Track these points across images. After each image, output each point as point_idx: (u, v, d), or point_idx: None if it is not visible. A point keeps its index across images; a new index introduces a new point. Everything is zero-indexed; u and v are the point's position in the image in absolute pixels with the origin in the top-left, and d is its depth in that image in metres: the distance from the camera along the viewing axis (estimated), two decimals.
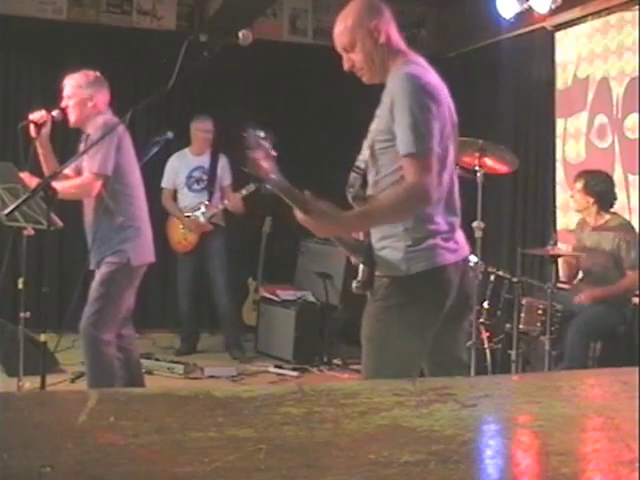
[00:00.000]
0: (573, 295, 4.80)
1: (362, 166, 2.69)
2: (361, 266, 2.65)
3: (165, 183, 6.29)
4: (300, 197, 2.59)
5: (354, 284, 2.67)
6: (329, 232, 2.67)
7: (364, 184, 2.68)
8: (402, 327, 2.57)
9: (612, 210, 4.87)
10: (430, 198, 2.46)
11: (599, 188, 4.80)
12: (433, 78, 2.58)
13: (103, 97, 4.06)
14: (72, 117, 4.03)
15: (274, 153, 2.55)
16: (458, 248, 2.62)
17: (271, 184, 2.54)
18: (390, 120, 2.52)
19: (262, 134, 2.55)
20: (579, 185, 4.84)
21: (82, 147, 3.97)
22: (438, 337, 2.61)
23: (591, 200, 4.80)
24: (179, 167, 6.25)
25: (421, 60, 2.66)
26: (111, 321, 3.97)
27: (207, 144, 6.25)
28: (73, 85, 4.04)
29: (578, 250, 4.92)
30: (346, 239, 2.71)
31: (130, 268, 3.95)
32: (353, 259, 2.74)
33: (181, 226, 6.18)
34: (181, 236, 6.19)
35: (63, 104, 4.04)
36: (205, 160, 6.23)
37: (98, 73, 4.10)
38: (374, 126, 2.66)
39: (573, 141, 6.09)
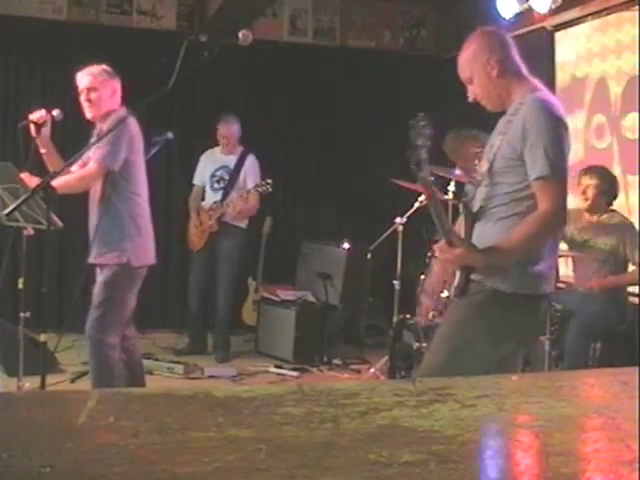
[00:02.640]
0: (575, 289, 4.80)
1: (478, 178, 2.76)
2: (457, 272, 2.69)
3: (195, 180, 6.35)
4: (447, 224, 2.64)
5: (450, 289, 2.70)
6: (465, 263, 2.67)
7: (474, 197, 2.76)
8: (484, 338, 2.63)
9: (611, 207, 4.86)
10: (564, 223, 2.60)
11: (611, 184, 4.80)
12: (560, 106, 2.67)
13: (120, 88, 4.06)
14: (93, 110, 3.99)
15: (429, 144, 2.53)
16: (553, 281, 2.72)
17: (423, 174, 2.55)
18: (520, 143, 2.58)
19: (428, 124, 2.55)
20: (593, 181, 4.76)
21: (93, 140, 3.94)
22: (503, 355, 2.69)
23: (604, 198, 4.78)
24: (206, 165, 6.28)
25: (543, 87, 2.74)
26: (116, 324, 3.97)
27: (233, 144, 6.21)
28: (95, 78, 3.99)
29: (571, 246, 4.89)
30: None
31: (131, 270, 3.95)
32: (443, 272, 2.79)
33: (194, 224, 6.20)
34: (193, 234, 6.21)
35: (84, 97, 4.00)
36: (232, 160, 6.20)
37: (109, 67, 4.09)
38: (498, 143, 2.69)
39: (571, 141, 6.09)
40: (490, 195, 2.68)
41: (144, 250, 4.03)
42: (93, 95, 3.98)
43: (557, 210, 2.53)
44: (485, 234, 2.67)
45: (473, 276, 2.66)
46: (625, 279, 4.76)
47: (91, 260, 4.04)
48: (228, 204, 6.02)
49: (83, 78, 4.03)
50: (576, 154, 6.02)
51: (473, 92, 2.77)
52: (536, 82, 2.74)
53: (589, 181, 4.78)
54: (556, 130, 2.56)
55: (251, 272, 6.77)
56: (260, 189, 5.95)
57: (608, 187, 4.78)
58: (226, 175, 6.17)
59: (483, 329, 2.64)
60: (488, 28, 2.86)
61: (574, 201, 4.98)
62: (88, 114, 4.02)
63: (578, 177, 4.83)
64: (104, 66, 4.07)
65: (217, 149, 6.29)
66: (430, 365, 2.76)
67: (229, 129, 6.19)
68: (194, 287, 6.29)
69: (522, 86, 2.70)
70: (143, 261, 4.02)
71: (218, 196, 6.14)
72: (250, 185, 6.07)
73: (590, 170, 4.85)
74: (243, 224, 6.19)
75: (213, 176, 6.21)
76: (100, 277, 4.00)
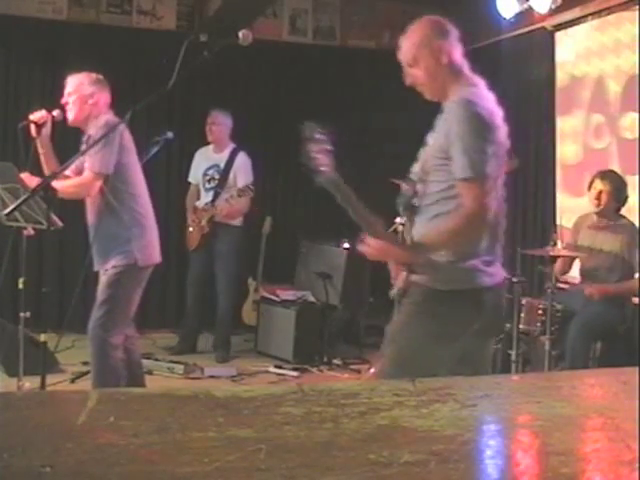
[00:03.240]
0: (580, 291, 4.80)
1: (414, 178, 2.78)
2: (403, 274, 2.75)
3: (190, 177, 6.37)
4: (352, 197, 2.67)
5: (393, 291, 2.79)
6: (388, 256, 2.77)
7: (414, 194, 2.77)
8: (428, 335, 2.67)
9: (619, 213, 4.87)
10: (487, 221, 2.59)
11: (622, 190, 4.80)
12: (490, 103, 2.67)
13: (104, 98, 4.06)
14: (71, 115, 4.02)
15: (330, 148, 2.61)
16: (496, 273, 2.72)
17: (323, 178, 2.62)
18: (446, 142, 2.61)
19: (320, 129, 2.62)
20: (608, 187, 4.75)
21: (83, 148, 3.96)
22: (465, 353, 2.71)
23: (615, 205, 4.78)
24: (199, 163, 6.29)
25: (481, 83, 2.74)
26: (120, 324, 3.96)
27: (221, 139, 6.18)
28: (75, 83, 4.04)
29: (574, 249, 4.90)
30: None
31: (137, 269, 3.94)
32: (393, 266, 2.83)
33: (189, 223, 6.22)
34: (188, 233, 6.23)
35: (64, 100, 4.04)
36: (223, 159, 6.17)
37: (100, 76, 4.10)
38: (431, 142, 2.73)
39: (570, 141, 6.10)
40: (423, 193, 2.73)
41: (150, 249, 4.03)
42: (71, 99, 4.01)
43: (478, 211, 2.55)
44: (420, 232, 2.72)
45: (413, 277, 2.71)
46: (625, 288, 4.75)
47: (97, 268, 4.04)
48: (217, 206, 6.01)
49: (68, 83, 4.07)
50: (576, 155, 6.03)
51: (413, 76, 2.77)
52: (475, 79, 2.75)
53: (604, 187, 4.76)
54: (477, 131, 2.56)
55: (251, 272, 6.77)
56: (242, 194, 5.86)
57: (620, 193, 4.79)
58: (216, 175, 6.15)
59: (425, 328, 2.68)
60: (436, 17, 2.88)
61: (583, 204, 5.00)
62: (69, 118, 4.05)
63: (592, 180, 4.83)
64: (93, 74, 4.08)
65: (210, 147, 6.29)
66: (382, 369, 2.81)
67: (216, 118, 6.17)
68: (191, 284, 6.31)
69: (461, 80, 2.71)
70: (149, 260, 4.02)
71: (209, 196, 6.15)
72: (241, 184, 6.02)
73: (606, 175, 4.83)
74: (238, 222, 6.18)
75: (205, 175, 6.22)
76: (104, 276, 3.99)
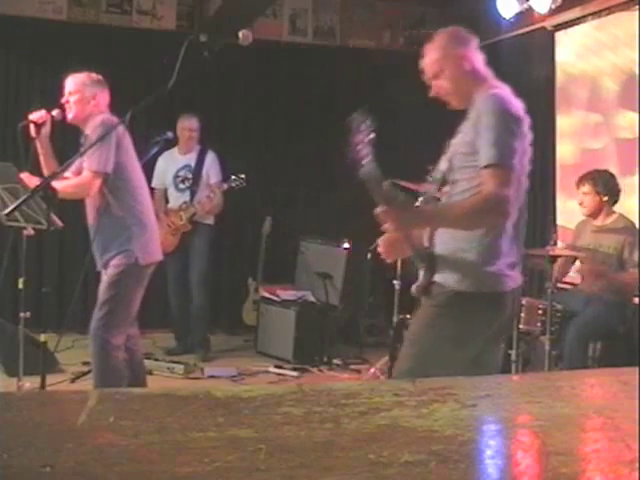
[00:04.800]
0: (579, 291, 4.81)
1: (438, 177, 2.78)
2: (421, 271, 2.76)
3: (154, 183, 6.25)
4: (384, 189, 2.67)
5: (413, 288, 2.80)
6: (407, 223, 2.74)
7: (438, 194, 2.79)
8: (450, 339, 2.67)
9: (616, 210, 4.87)
10: (507, 211, 2.56)
11: (609, 185, 4.80)
12: (518, 105, 2.69)
13: (104, 97, 4.06)
14: (71, 114, 4.02)
15: (372, 140, 2.61)
16: (517, 276, 2.73)
17: (362, 170, 2.62)
18: (473, 136, 2.61)
19: (366, 120, 2.61)
20: (586, 188, 4.79)
21: (82, 148, 3.96)
22: (478, 354, 2.72)
23: (604, 198, 4.79)
24: (166, 167, 6.26)
25: (507, 88, 2.77)
26: (121, 324, 3.95)
27: (193, 143, 6.25)
28: (77, 82, 4.03)
29: (576, 250, 4.91)
30: (415, 243, 2.80)
31: (138, 268, 3.94)
32: (415, 263, 2.83)
33: (164, 226, 6.20)
34: (163, 236, 6.19)
35: (64, 99, 4.03)
36: (192, 158, 6.23)
37: (100, 76, 4.10)
38: (455, 141, 2.74)
39: (567, 141, 6.10)
40: (451, 194, 2.72)
41: (151, 248, 4.02)
42: (72, 98, 4.00)
43: (499, 195, 2.53)
44: (447, 231, 2.71)
45: (436, 277, 2.70)
46: (623, 278, 4.74)
47: (99, 268, 4.04)
48: (199, 202, 6.05)
49: (68, 82, 4.06)
50: (573, 155, 6.03)
51: (439, 87, 2.81)
52: (497, 82, 2.79)
53: (582, 189, 4.84)
54: (507, 124, 2.58)
55: (251, 272, 6.77)
56: (234, 184, 6.01)
57: (603, 188, 4.79)
58: (189, 174, 6.19)
59: (448, 331, 2.67)
60: (454, 27, 2.89)
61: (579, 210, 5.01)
62: (68, 116, 4.04)
63: (576, 185, 4.87)
64: (92, 74, 4.08)
65: (174, 150, 6.26)
66: (400, 369, 2.81)
67: (193, 123, 6.20)
68: (172, 288, 6.30)
69: (484, 85, 2.74)
70: (150, 259, 4.01)
71: (185, 196, 6.16)
72: (213, 181, 6.16)
73: (582, 179, 4.87)
74: (210, 221, 6.25)
75: (176, 177, 6.22)
76: (106, 275, 3.98)
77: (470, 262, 2.65)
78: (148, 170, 4.27)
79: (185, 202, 6.12)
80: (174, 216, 6.12)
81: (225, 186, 6.05)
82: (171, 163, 6.26)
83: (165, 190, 6.29)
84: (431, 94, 2.83)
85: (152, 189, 6.20)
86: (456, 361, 2.68)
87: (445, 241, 2.71)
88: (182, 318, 6.32)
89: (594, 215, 4.85)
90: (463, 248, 2.66)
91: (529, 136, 2.71)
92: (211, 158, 6.23)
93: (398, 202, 2.63)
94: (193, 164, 6.20)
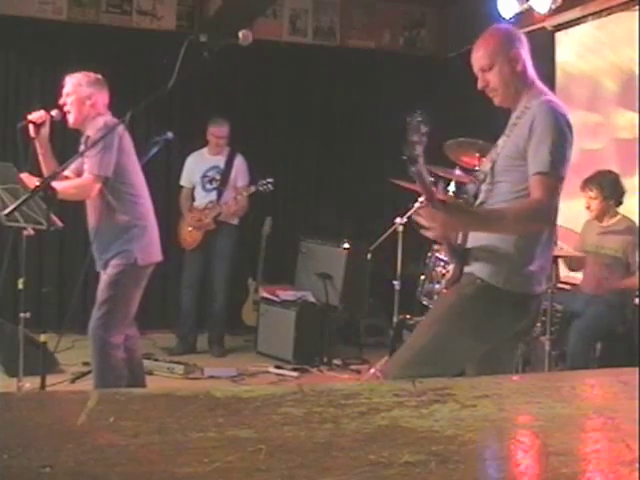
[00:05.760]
0: (582, 293, 4.81)
1: (481, 177, 2.80)
2: (452, 265, 2.77)
3: (183, 181, 6.46)
4: (431, 188, 2.66)
5: (441, 285, 2.88)
6: (453, 227, 2.74)
7: (477, 191, 2.81)
8: (469, 330, 2.67)
9: (619, 211, 4.87)
10: (551, 221, 2.61)
11: (616, 188, 4.80)
12: (569, 114, 2.70)
13: (102, 98, 4.05)
14: (70, 117, 4.02)
15: (426, 140, 2.60)
16: (544, 281, 2.75)
17: (416, 168, 2.59)
18: (524, 142, 2.62)
19: (423, 119, 2.60)
20: (593, 193, 4.79)
21: (82, 149, 3.96)
22: (495, 352, 2.73)
23: (611, 202, 4.79)
24: (195, 166, 6.38)
25: (554, 96, 2.80)
26: (120, 323, 3.95)
27: (223, 147, 6.35)
28: (73, 83, 4.03)
29: (581, 251, 4.91)
30: (449, 240, 2.80)
31: (137, 268, 3.94)
32: (449, 258, 2.84)
33: (187, 224, 6.26)
34: (186, 233, 6.28)
35: (62, 101, 4.03)
36: (221, 160, 6.35)
37: (99, 75, 4.10)
38: (501, 142, 2.75)
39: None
40: (491, 193, 2.73)
41: (150, 249, 4.03)
42: (69, 100, 4.00)
43: (548, 203, 2.56)
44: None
45: (467, 268, 2.71)
46: (625, 284, 4.75)
47: (98, 268, 4.04)
48: (226, 203, 6.16)
49: (66, 83, 4.06)
50: (573, 155, 6.03)
51: (486, 80, 2.80)
52: (546, 89, 2.81)
53: (589, 194, 4.82)
54: (562, 133, 2.61)
55: (251, 272, 6.77)
56: (262, 188, 6.12)
57: (610, 192, 4.80)
58: (217, 175, 6.31)
59: (469, 321, 2.67)
60: (510, 26, 2.93)
61: (577, 206, 5.00)
62: (69, 120, 4.04)
63: (581, 187, 4.85)
64: (90, 74, 4.08)
65: (204, 150, 6.41)
66: (411, 345, 2.79)
67: (223, 130, 6.30)
68: (188, 285, 6.35)
69: (532, 89, 2.76)
70: (149, 259, 4.01)
71: (212, 196, 6.27)
72: (240, 184, 6.30)
73: (588, 183, 4.85)
74: (235, 222, 6.35)
75: (204, 177, 6.33)
76: (105, 275, 3.98)
77: (504, 259, 2.65)
78: (148, 171, 4.26)
79: (211, 201, 6.21)
80: (199, 214, 6.22)
81: (253, 189, 6.15)
82: (200, 163, 6.37)
83: (192, 189, 6.39)
84: (478, 86, 2.82)
85: (180, 187, 6.44)
86: (468, 353, 2.70)
87: (479, 238, 2.71)
88: (188, 317, 6.34)
89: (600, 218, 4.86)
90: (498, 245, 2.67)
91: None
92: (240, 161, 6.34)
93: (445, 205, 2.63)
94: (222, 165, 6.31)
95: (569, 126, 2.64)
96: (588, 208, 4.86)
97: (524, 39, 2.84)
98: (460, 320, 2.69)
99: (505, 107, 2.80)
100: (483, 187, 2.77)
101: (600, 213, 4.84)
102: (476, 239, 2.73)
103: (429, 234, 2.63)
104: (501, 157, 2.71)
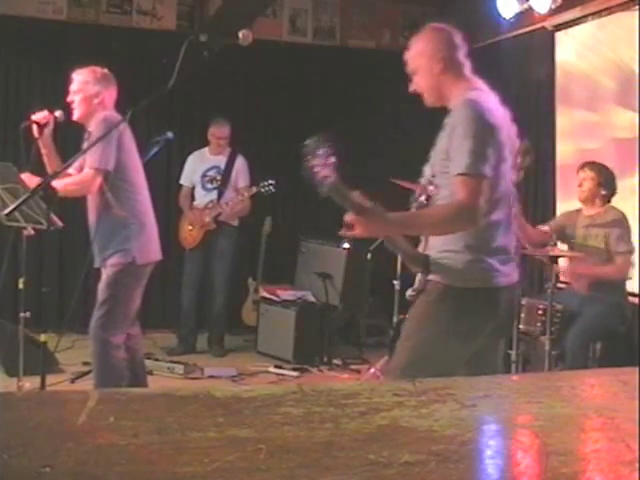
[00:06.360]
0: (576, 294, 4.80)
1: (424, 183, 2.81)
2: (419, 275, 2.77)
3: (182, 180, 6.47)
4: (353, 199, 2.67)
5: (409, 292, 2.81)
6: (376, 231, 2.79)
7: (426, 197, 2.81)
8: (443, 333, 2.68)
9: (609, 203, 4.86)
10: (476, 220, 2.58)
11: (609, 180, 4.79)
12: (493, 104, 2.69)
13: (110, 95, 4.05)
14: (76, 112, 4.02)
15: (333, 160, 2.63)
16: (511, 272, 2.74)
17: (325, 189, 2.63)
18: (447, 144, 2.63)
19: (322, 145, 2.63)
20: (589, 174, 4.77)
21: (85, 145, 3.96)
22: (478, 352, 2.73)
23: (602, 191, 4.78)
24: (195, 166, 6.40)
25: (484, 86, 2.77)
26: (120, 323, 3.95)
27: (223, 147, 6.36)
28: (80, 81, 4.02)
29: (565, 241, 4.89)
30: (408, 250, 2.83)
31: (136, 267, 3.94)
32: (412, 269, 2.84)
33: (188, 223, 6.27)
34: (187, 232, 6.28)
35: (69, 98, 4.03)
36: (222, 160, 6.36)
37: (106, 70, 4.09)
38: (436, 147, 2.75)
39: (567, 141, 6.10)
40: (435, 197, 2.76)
41: (149, 247, 4.02)
42: (77, 98, 4.00)
43: (470, 203, 2.54)
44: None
45: (430, 277, 2.73)
46: (606, 271, 4.71)
47: (97, 265, 4.04)
48: (227, 203, 6.17)
49: (74, 79, 4.06)
50: (573, 155, 6.03)
51: (415, 84, 2.83)
52: (477, 82, 2.78)
53: (585, 174, 4.81)
54: (482, 131, 2.58)
55: (251, 272, 6.77)
56: (264, 189, 6.13)
57: (604, 180, 4.79)
58: (218, 175, 6.33)
59: (442, 324, 2.69)
60: (439, 25, 2.91)
61: (576, 206, 5.00)
62: (74, 115, 4.05)
63: (577, 172, 4.87)
64: (98, 68, 4.07)
65: (205, 150, 6.42)
66: (395, 365, 2.82)
67: (224, 131, 6.31)
68: (188, 285, 6.36)
69: (461, 85, 2.74)
70: (148, 258, 4.01)
71: (212, 195, 6.29)
72: (241, 185, 6.31)
73: (586, 164, 4.88)
74: (236, 222, 6.35)
75: (204, 176, 6.34)
76: (104, 275, 3.98)
77: (461, 258, 2.67)
78: (148, 170, 4.26)
79: (211, 201, 6.21)
80: (199, 214, 6.23)
81: (254, 190, 6.17)
82: (200, 162, 6.39)
83: (192, 188, 6.39)
84: (410, 89, 2.84)
85: (180, 185, 6.46)
86: (452, 356, 2.70)
87: (436, 244, 2.74)
88: (188, 317, 6.35)
89: (588, 201, 4.83)
90: (453, 249, 2.68)
91: (510, 143, 2.72)
92: (241, 162, 6.34)
93: (367, 211, 2.63)
94: (222, 166, 6.32)
95: (489, 125, 2.60)
96: (580, 186, 4.82)
97: (450, 37, 2.83)
98: (433, 327, 2.70)
99: (438, 106, 2.80)
100: (430, 190, 2.78)
101: (590, 195, 4.79)
102: (432, 245, 2.75)
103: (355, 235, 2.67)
104: (436, 161, 2.73)
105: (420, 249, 2.82)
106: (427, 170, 2.80)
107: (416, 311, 2.79)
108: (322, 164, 2.59)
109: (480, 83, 2.78)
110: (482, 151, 2.56)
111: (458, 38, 2.84)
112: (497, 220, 2.68)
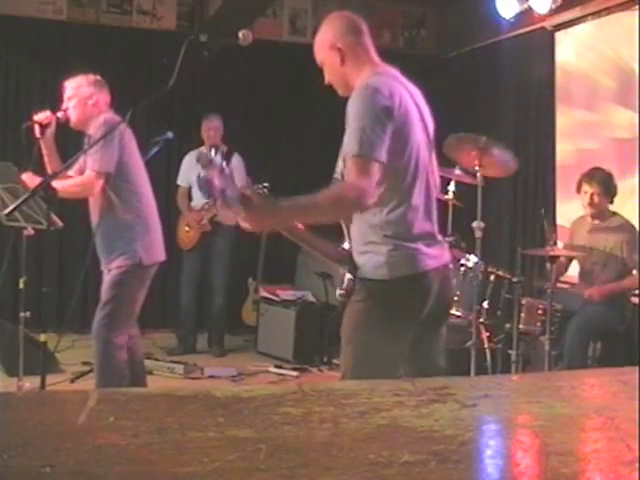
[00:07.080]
0: (579, 293, 4.80)
1: (338, 177, 2.73)
2: (347, 275, 2.69)
3: (179, 180, 6.44)
4: (242, 193, 2.61)
5: (338, 292, 2.74)
6: (269, 222, 2.71)
7: None
8: (381, 330, 2.60)
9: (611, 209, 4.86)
10: (365, 202, 2.46)
11: (611, 185, 4.79)
12: (396, 87, 2.58)
13: (104, 97, 4.06)
14: (73, 117, 4.03)
15: (227, 170, 2.59)
16: (439, 254, 2.64)
17: (221, 200, 2.58)
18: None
19: (217, 156, 2.60)
20: (597, 188, 4.73)
21: (85, 148, 3.96)
22: (416, 343, 2.65)
23: (607, 201, 4.78)
24: (191, 165, 6.32)
25: (391, 70, 2.68)
26: (124, 323, 3.94)
27: (214, 138, 6.28)
28: (73, 86, 4.04)
29: (570, 249, 4.91)
30: (331, 251, 2.76)
31: (142, 268, 3.93)
32: (340, 269, 2.77)
33: (185, 223, 6.27)
34: (184, 233, 6.28)
35: (64, 106, 4.03)
36: (217, 159, 6.28)
37: (98, 76, 4.10)
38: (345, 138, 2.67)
39: (567, 141, 6.10)
40: None
41: (154, 248, 4.02)
42: (71, 103, 4.01)
43: (357, 185, 2.45)
44: (355, 227, 2.68)
45: (357, 274, 2.65)
46: (624, 285, 4.74)
47: (102, 267, 4.04)
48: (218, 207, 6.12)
49: (66, 87, 4.07)
50: (572, 155, 6.03)
51: (326, 76, 2.78)
52: (382, 66, 2.70)
53: (593, 189, 4.73)
54: (371, 114, 2.48)
55: (251, 272, 6.77)
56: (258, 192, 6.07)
57: (609, 190, 4.78)
58: None
59: (376, 321, 2.61)
60: (340, 13, 2.83)
61: (575, 206, 5.00)
62: (71, 120, 4.05)
63: (579, 184, 4.81)
64: (91, 75, 4.08)
65: (201, 149, 6.32)
66: (344, 371, 2.74)
67: (214, 123, 6.26)
68: (186, 283, 6.36)
69: (365, 72, 2.65)
70: (153, 259, 4.01)
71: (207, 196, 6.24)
72: (238, 184, 6.18)
73: (591, 176, 4.78)
74: (233, 223, 6.27)
75: (200, 176, 6.27)
76: (108, 275, 3.97)
77: (382, 251, 2.57)
78: (148, 170, 4.26)
79: (207, 202, 6.17)
80: (196, 215, 6.21)
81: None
82: (196, 162, 6.30)
83: (189, 188, 6.37)
84: (325, 82, 2.79)
85: (177, 186, 6.43)
86: (393, 350, 2.62)
87: (356, 238, 2.66)
88: (188, 317, 6.35)
89: (599, 215, 4.82)
90: (375, 240, 2.59)
91: (421, 125, 2.63)
92: (237, 161, 6.28)
93: (254, 204, 2.57)
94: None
95: (380, 105, 2.49)
96: (590, 204, 4.76)
97: (350, 23, 2.74)
98: (369, 326, 2.63)
99: (348, 96, 2.69)
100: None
101: (599, 210, 4.80)
102: (354, 239, 2.67)
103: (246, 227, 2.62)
104: (343, 154, 2.66)
105: (345, 246, 2.73)
106: (340, 162, 2.73)
107: (349, 312, 2.72)
108: (217, 175, 2.56)
109: (384, 67, 2.69)
110: (373, 134, 2.47)
111: (360, 23, 2.75)
112: (416, 205, 2.58)
